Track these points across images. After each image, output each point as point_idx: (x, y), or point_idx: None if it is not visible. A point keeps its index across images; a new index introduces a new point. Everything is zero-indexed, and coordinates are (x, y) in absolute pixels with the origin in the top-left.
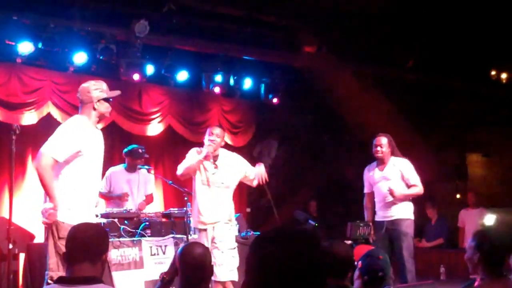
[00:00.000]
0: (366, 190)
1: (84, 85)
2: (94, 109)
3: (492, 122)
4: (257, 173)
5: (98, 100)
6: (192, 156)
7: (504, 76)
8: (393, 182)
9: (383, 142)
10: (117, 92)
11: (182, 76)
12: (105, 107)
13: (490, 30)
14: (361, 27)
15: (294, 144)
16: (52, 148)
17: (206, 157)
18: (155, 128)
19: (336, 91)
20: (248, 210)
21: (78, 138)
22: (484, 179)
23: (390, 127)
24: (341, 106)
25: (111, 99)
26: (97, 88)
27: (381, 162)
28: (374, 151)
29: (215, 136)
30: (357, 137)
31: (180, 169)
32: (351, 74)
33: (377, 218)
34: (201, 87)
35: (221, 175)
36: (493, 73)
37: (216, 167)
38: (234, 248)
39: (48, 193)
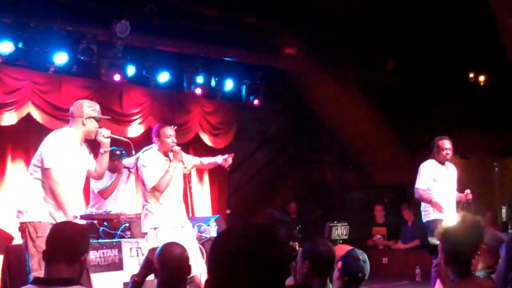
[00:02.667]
0: None
1: (79, 101)
2: (83, 124)
3: (470, 124)
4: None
5: (88, 118)
6: (161, 164)
7: (481, 78)
8: None
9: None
10: (107, 117)
11: (163, 77)
12: (93, 126)
13: (468, 33)
14: (342, 30)
15: (275, 146)
16: (53, 161)
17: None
18: (135, 129)
19: (316, 93)
20: (228, 211)
21: (65, 148)
22: (460, 181)
23: (370, 129)
24: (322, 107)
25: (100, 121)
26: (90, 106)
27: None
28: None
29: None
30: (337, 139)
31: (163, 183)
32: (331, 77)
33: None
34: (182, 88)
35: (181, 173)
36: (471, 75)
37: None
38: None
39: (62, 208)
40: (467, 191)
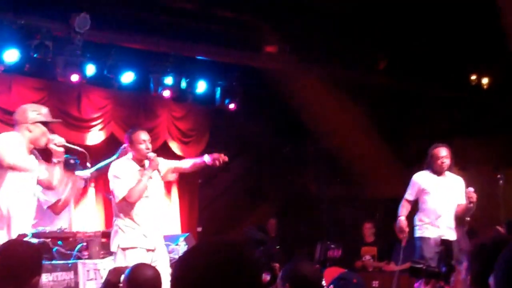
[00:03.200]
0: None
1: (23, 106)
2: (29, 131)
3: (472, 131)
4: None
5: (34, 123)
6: (135, 174)
7: (485, 81)
8: None
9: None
10: (58, 120)
11: (127, 77)
12: (40, 132)
13: (471, 31)
14: (329, 26)
15: (253, 155)
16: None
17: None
18: (95, 136)
19: (300, 96)
20: (199, 229)
21: (18, 150)
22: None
23: (360, 136)
24: (306, 112)
25: (48, 125)
26: (34, 110)
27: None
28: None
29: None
30: (323, 147)
31: (134, 194)
32: (316, 77)
33: None
34: (148, 90)
35: (158, 182)
36: (473, 77)
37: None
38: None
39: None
40: (470, 189)
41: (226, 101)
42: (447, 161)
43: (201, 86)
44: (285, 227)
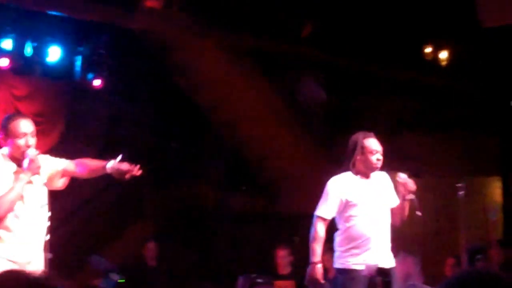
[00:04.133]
0: None
1: None
2: None
3: (426, 126)
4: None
5: None
6: (6, 176)
7: (443, 55)
8: None
9: None
10: None
11: None
12: None
13: None
14: None
15: (125, 153)
16: None
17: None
18: None
19: (194, 71)
20: (49, 255)
21: None
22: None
23: (275, 130)
24: (202, 94)
25: None
26: None
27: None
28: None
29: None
30: (224, 144)
31: (3, 206)
32: (217, 46)
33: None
34: None
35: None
36: (427, 51)
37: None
38: None
39: None
40: (401, 176)
41: (90, 75)
42: (381, 158)
43: (54, 54)
44: (171, 253)
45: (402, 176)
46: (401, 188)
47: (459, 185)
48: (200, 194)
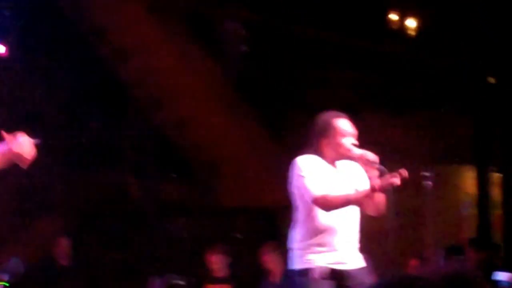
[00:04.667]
0: None
1: None
2: None
3: (389, 104)
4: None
5: None
6: None
7: (411, 24)
8: None
9: None
10: None
11: None
12: None
13: None
14: None
15: (33, 135)
16: None
17: None
18: None
19: (115, 38)
20: None
21: None
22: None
23: (214, 108)
24: (125, 66)
25: None
26: None
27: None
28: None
29: None
30: (152, 123)
31: None
32: (143, 7)
33: None
34: None
35: None
36: (392, 17)
37: None
38: None
39: None
40: (356, 151)
41: None
42: (355, 144)
43: None
44: (86, 251)
45: (357, 151)
46: (360, 163)
47: (426, 174)
48: (122, 182)
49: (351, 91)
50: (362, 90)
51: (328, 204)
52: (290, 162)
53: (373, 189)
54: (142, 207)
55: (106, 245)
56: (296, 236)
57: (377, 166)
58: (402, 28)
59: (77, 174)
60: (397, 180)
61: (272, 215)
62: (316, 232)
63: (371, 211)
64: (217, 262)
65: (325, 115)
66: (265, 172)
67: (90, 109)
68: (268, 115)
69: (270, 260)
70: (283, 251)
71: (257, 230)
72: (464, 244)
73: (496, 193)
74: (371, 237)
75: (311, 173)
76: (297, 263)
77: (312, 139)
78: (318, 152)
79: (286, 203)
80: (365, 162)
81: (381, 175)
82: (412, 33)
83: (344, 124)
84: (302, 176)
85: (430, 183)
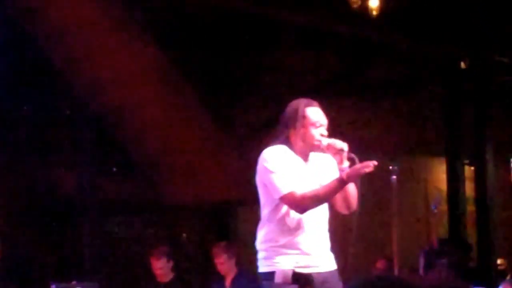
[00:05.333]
0: None
1: None
2: None
3: (351, 90)
4: None
5: None
6: None
7: (374, 3)
8: None
9: None
10: None
11: None
12: None
13: None
14: None
15: None
16: None
17: None
18: None
19: (51, 16)
20: None
21: None
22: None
23: (158, 92)
24: (59, 47)
25: None
26: None
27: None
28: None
29: None
30: (88, 110)
31: None
32: None
33: None
34: None
35: None
36: None
37: None
38: None
39: None
40: (324, 141)
41: None
42: (326, 133)
43: None
44: (15, 252)
45: (325, 141)
46: (329, 152)
47: (392, 167)
48: (56, 177)
49: (309, 76)
50: (321, 75)
51: (298, 203)
52: (241, 154)
53: (340, 180)
54: (80, 205)
55: (37, 244)
56: (262, 237)
57: (348, 155)
58: (365, 8)
59: (5, 169)
60: (367, 168)
61: (223, 213)
62: (283, 232)
63: (341, 208)
64: (161, 266)
65: (295, 103)
66: (214, 165)
67: (19, 95)
68: (217, 103)
69: (221, 262)
70: (236, 252)
71: (205, 229)
72: (434, 243)
73: (468, 187)
74: (333, 236)
75: (280, 168)
76: (263, 266)
77: (280, 129)
78: (287, 143)
79: (238, 198)
80: (335, 152)
81: (353, 164)
82: (376, 13)
83: (314, 113)
84: (270, 171)
85: (395, 177)
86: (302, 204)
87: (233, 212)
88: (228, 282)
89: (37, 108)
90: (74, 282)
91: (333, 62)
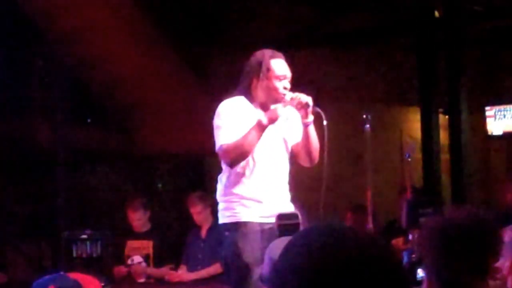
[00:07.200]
0: None
1: None
2: None
3: (323, 38)
4: None
5: None
6: None
7: None
8: None
9: None
10: None
11: None
12: None
13: None
14: None
15: None
16: None
17: None
18: None
19: None
20: None
21: None
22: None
23: (131, 40)
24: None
25: None
26: None
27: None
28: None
29: None
30: (63, 59)
31: None
32: None
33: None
34: None
35: None
36: None
37: None
38: None
39: None
40: (288, 95)
41: None
42: (288, 86)
43: None
44: None
45: (289, 95)
46: (294, 107)
47: (365, 116)
48: (29, 127)
49: (280, 25)
50: (291, 22)
51: (224, 155)
52: (215, 104)
53: (259, 125)
54: (54, 156)
55: (12, 198)
56: (222, 188)
57: (313, 109)
58: None
59: None
60: (285, 105)
61: (198, 163)
62: (241, 183)
63: (304, 161)
64: (138, 217)
65: (259, 54)
66: (189, 115)
67: None
68: (190, 53)
69: (197, 212)
70: (212, 202)
71: (181, 179)
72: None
73: (442, 136)
74: (305, 186)
75: (225, 123)
76: (223, 217)
77: (242, 78)
78: (246, 94)
79: (213, 149)
80: (300, 107)
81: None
82: None
83: (279, 65)
84: (217, 126)
85: (368, 126)
86: (228, 155)
87: (208, 161)
88: (204, 231)
89: (10, 58)
90: (87, 231)
91: (304, 11)
